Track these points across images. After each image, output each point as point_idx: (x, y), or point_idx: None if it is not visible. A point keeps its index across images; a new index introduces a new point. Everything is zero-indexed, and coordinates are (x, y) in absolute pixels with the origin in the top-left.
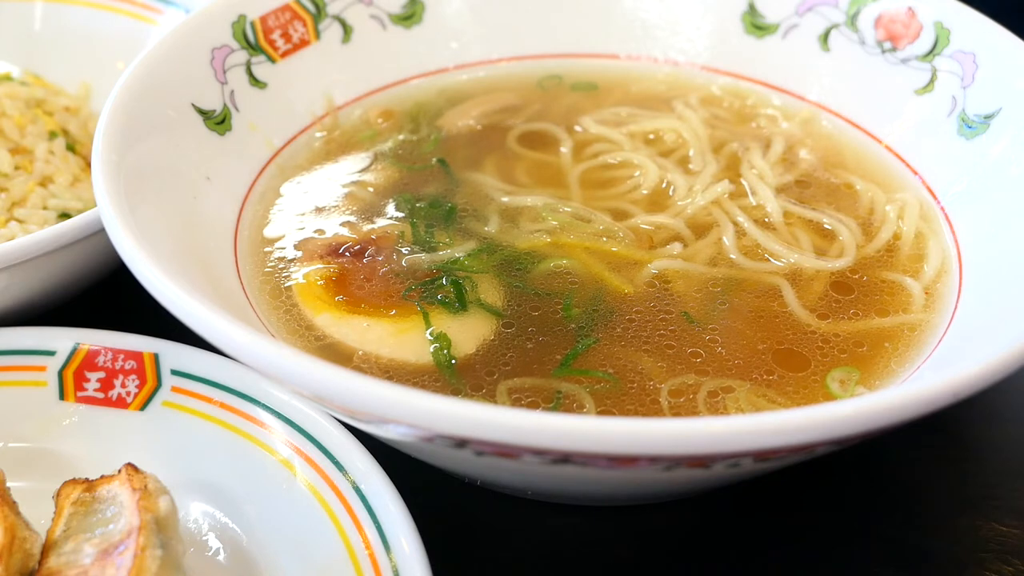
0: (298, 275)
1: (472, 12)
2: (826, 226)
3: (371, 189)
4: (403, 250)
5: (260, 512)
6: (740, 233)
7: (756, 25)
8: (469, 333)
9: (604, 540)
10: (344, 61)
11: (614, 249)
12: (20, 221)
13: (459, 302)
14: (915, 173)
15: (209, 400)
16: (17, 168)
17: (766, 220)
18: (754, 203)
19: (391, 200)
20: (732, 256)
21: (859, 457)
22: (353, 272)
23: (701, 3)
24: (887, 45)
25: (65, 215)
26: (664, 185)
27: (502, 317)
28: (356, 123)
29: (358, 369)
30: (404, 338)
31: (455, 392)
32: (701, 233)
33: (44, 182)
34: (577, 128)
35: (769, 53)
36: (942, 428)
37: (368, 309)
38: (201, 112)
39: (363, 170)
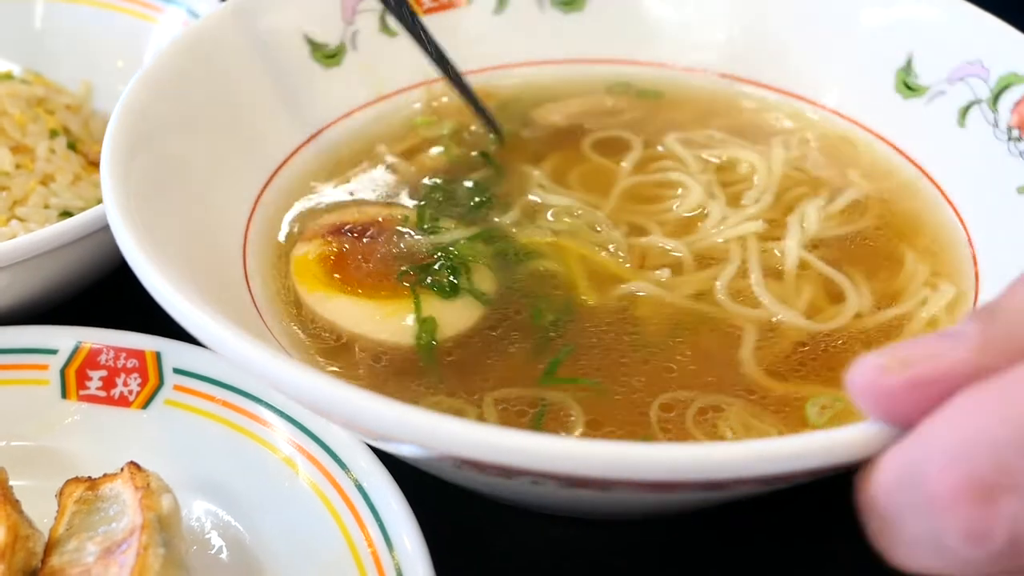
0: (305, 275)
1: (637, 9)
2: (838, 286)
3: (403, 174)
4: (414, 235)
5: (263, 510)
6: (741, 274)
7: (908, 84)
8: (459, 316)
9: (606, 548)
10: (490, 31)
11: (605, 260)
12: (21, 220)
13: (451, 288)
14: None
15: (211, 398)
16: (18, 167)
17: (778, 268)
18: (777, 249)
19: (422, 184)
20: (719, 296)
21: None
22: (357, 262)
23: (864, 48)
24: (1015, 133)
25: (66, 213)
26: (700, 212)
27: (490, 304)
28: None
29: (366, 367)
30: (404, 324)
31: (440, 380)
32: (705, 265)
33: (45, 181)
34: (660, 148)
35: (909, 115)
36: None
37: (381, 300)
38: (313, 44)
39: (404, 152)
